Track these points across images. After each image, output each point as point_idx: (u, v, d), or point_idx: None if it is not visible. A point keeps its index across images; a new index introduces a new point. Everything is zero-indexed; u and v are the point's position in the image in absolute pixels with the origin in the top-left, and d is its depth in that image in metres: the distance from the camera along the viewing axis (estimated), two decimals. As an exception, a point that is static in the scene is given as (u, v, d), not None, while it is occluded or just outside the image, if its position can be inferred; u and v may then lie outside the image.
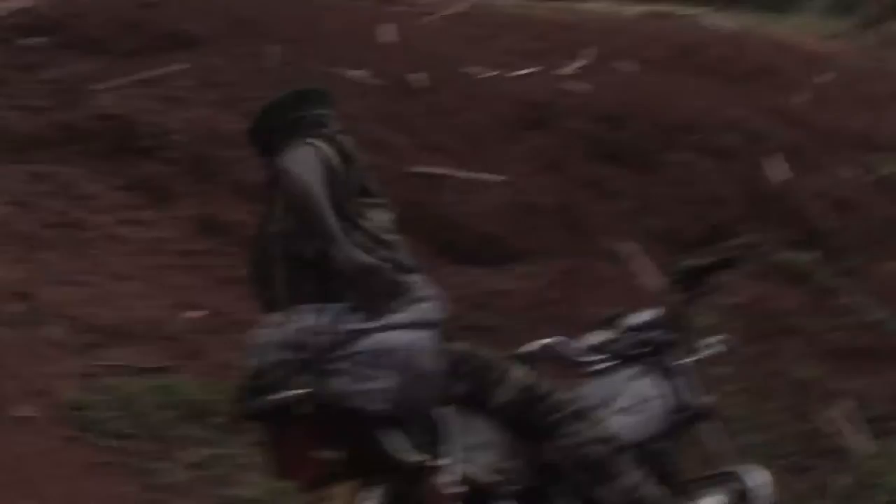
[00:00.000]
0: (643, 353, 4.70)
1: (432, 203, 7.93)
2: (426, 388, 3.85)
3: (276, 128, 4.44)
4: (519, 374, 4.20)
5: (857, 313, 8.63)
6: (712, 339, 4.98)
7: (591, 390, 4.52)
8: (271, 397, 3.76)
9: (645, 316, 4.87)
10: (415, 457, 3.85)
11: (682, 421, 4.71)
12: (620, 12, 12.88)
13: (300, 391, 3.74)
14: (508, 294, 7.66)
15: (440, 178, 8.06)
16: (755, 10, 15.24)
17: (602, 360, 4.68)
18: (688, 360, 4.82)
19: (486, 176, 8.18)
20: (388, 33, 9.29)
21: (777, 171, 9.46)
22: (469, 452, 3.98)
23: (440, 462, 3.88)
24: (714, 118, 9.57)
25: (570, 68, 9.74)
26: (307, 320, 3.85)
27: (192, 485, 5.73)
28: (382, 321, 3.83)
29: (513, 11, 11.73)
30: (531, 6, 12.40)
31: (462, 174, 8.12)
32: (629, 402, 4.52)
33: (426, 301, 3.97)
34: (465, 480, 3.92)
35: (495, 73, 9.21)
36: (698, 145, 9.28)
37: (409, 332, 3.84)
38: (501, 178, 8.20)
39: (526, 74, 9.40)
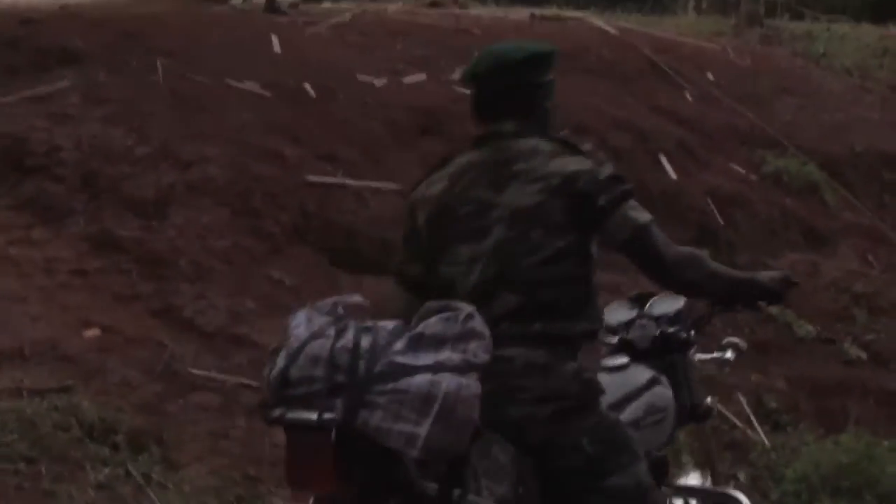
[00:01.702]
0: (661, 349, 4.60)
1: (327, 212, 7.90)
2: (462, 436, 3.68)
3: (507, 93, 4.16)
4: (643, 470, 4.07)
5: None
6: (731, 340, 4.96)
7: (606, 386, 4.29)
8: (292, 415, 3.63)
9: (670, 306, 4.73)
10: (428, 488, 3.75)
11: (686, 422, 4.69)
12: (506, 16, 12.94)
13: (328, 416, 3.59)
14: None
15: (335, 188, 8.04)
16: (636, 11, 15.41)
17: (616, 349, 4.59)
18: (701, 358, 4.80)
19: (380, 184, 8.18)
20: (277, 44, 9.25)
21: (667, 169, 9.57)
22: (482, 480, 3.88)
23: (452, 494, 3.78)
24: (604, 119, 9.65)
25: (458, 74, 9.75)
26: (350, 337, 3.65)
27: (96, 505, 5.67)
28: (433, 359, 3.63)
29: (398, 18, 11.73)
30: (416, 13, 12.42)
31: (356, 183, 8.11)
32: (642, 415, 4.41)
33: (476, 339, 3.71)
34: None
35: (386, 80, 9.21)
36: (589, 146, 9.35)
37: (457, 376, 3.63)
38: (396, 185, 8.19)
39: (417, 81, 9.41)
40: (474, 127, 4.24)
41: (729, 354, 4.89)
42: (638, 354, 4.59)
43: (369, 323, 3.68)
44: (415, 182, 4.28)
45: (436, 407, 3.57)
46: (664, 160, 9.61)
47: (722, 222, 9.41)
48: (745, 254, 9.34)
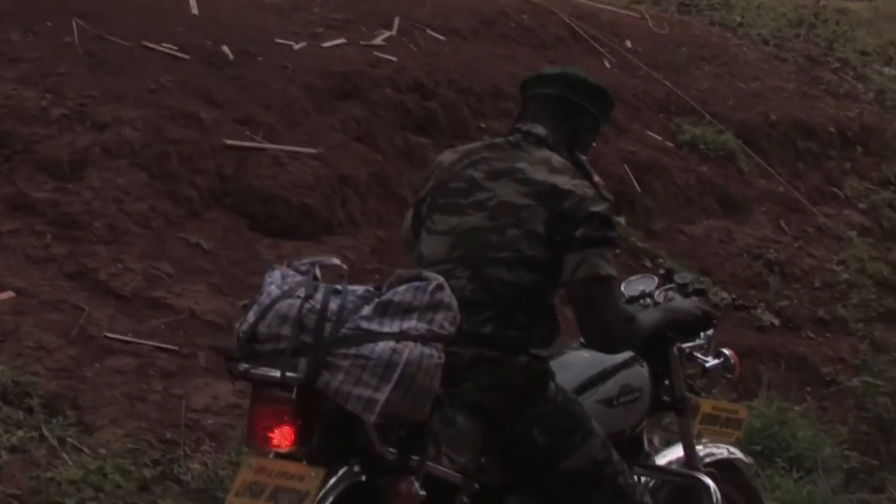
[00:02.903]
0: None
1: (245, 176, 7.86)
2: (421, 404, 3.77)
3: (558, 102, 4.36)
4: (596, 445, 4.23)
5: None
6: (724, 352, 5.04)
7: (580, 364, 4.51)
8: (258, 371, 3.76)
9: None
10: (387, 452, 3.85)
11: (666, 410, 4.84)
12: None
13: (290, 374, 3.70)
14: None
15: (253, 151, 8.00)
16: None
17: None
18: (689, 345, 4.88)
19: (299, 148, 8.14)
20: (195, 6, 9.16)
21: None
22: (443, 448, 4.02)
23: (410, 460, 3.89)
24: (522, 86, 9.66)
25: (378, 39, 9.73)
26: (319, 299, 3.76)
27: (10, 468, 5.61)
28: (398, 327, 3.73)
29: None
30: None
31: (275, 146, 8.07)
32: (616, 393, 4.52)
33: (443, 310, 3.80)
34: (429, 479, 3.93)
35: (305, 44, 9.16)
36: (507, 112, 9.36)
37: (420, 346, 3.72)
38: (314, 150, 8.17)
39: (335, 46, 9.37)
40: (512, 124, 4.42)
41: (721, 362, 4.99)
42: None
43: (339, 286, 3.79)
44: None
45: (396, 374, 3.67)
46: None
47: (639, 189, 9.47)
48: (662, 220, 9.41)
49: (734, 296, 8.94)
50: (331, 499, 3.76)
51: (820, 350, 8.99)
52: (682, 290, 4.82)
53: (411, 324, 3.73)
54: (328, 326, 3.72)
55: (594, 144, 4.51)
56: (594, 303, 4.10)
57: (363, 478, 3.86)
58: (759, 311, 8.91)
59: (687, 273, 4.92)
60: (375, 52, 9.34)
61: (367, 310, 3.75)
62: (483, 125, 9.17)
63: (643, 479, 4.76)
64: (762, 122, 10.79)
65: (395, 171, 8.49)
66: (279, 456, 3.83)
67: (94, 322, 6.60)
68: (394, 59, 9.26)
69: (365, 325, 3.72)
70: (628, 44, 11.29)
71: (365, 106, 8.78)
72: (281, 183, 7.89)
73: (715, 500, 4.77)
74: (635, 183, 9.47)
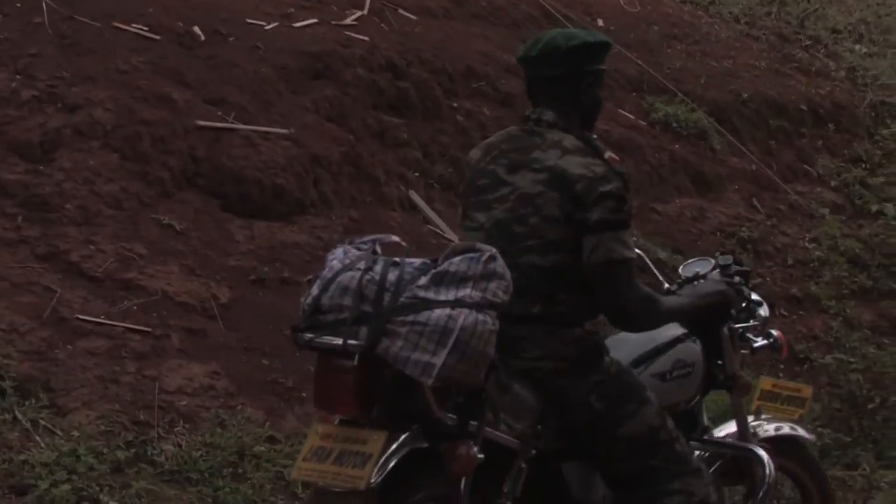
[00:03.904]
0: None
1: (217, 157, 7.83)
2: (476, 369, 3.95)
3: (553, 79, 4.45)
4: (651, 413, 4.42)
5: (641, 252, 8.83)
6: (773, 332, 5.21)
7: (634, 340, 4.68)
8: (322, 339, 3.97)
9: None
10: (446, 417, 4.02)
11: (719, 387, 4.98)
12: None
13: (352, 342, 3.90)
14: (299, 246, 7.63)
15: (225, 132, 7.96)
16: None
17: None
18: (741, 326, 5.05)
19: (271, 128, 8.12)
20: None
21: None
22: (500, 414, 4.20)
23: (469, 425, 4.06)
24: (494, 64, 9.66)
25: (349, 19, 9.70)
26: (378, 270, 3.97)
27: (-18, 452, 5.61)
28: (453, 295, 3.91)
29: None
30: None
31: (247, 127, 8.04)
32: (669, 368, 4.72)
33: (497, 279, 3.99)
34: (487, 444, 4.09)
35: (276, 24, 9.12)
36: (480, 92, 9.36)
37: (474, 313, 3.91)
38: (286, 130, 8.14)
39: (306, 26, 9.33)
40: (528, 105, 4.51)
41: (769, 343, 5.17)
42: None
43: (398, 259, 4.04)
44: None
45: (452, 339, 3.87)
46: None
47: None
48: (635, 199, 9.41)
49: (707, 274, 8.96)
50: (393, 462, 3.95)
51: (793, 327, 9.01)
52: (725, 271, 4.97)
53: (466, 292, 3.92)
54: (387, 296, 3.91)
55: (601, 101, 4.56)
56: (611, 285, 4.27)
57: (424, 442, 4.04)
58: (731, 288, 8.93)
59: (730, 256, 5.07)
60: (347, 32, 9.31)
61: (423, 280, 3.94)
62: (455, 104, 9.16)
63: (698, 452, 4.90)
64: (734, 100, 10.81)
65: (367, 151, 8.47)
66: (343, 422, 4.04)
67: (66, 304, 6.58)
68: (365, 38, 9.23)
69: (422, 293, 3.92)
70: (600, 22, 11.29)
71: (337, 86, 8.75)
72: (253, 163, 7.87)
73: (767, 472, 4.91)
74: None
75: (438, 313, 3.89)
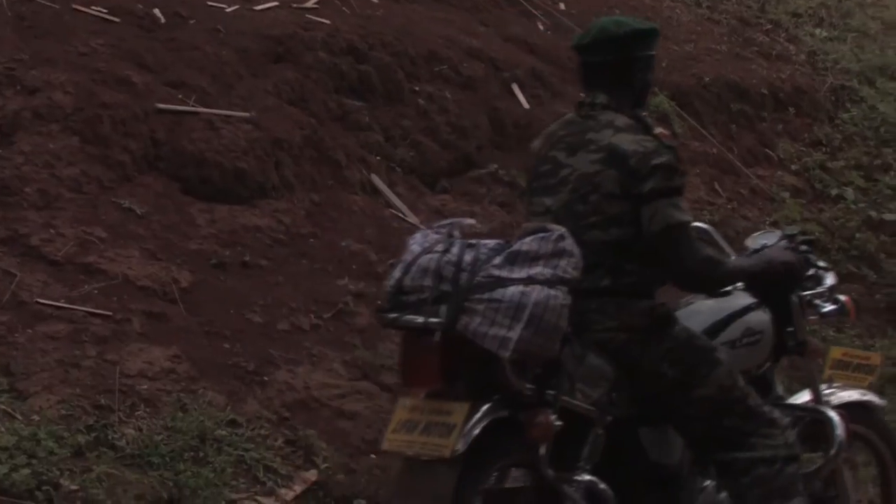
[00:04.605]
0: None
1: (178, 140, 7.80)
2: (551, 341, 4.23)
3: (606, 65, 4.70)
4: (722, 374, 4.64)
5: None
6: (840, 298, 5.39)
7: (706, 311, 4.93)
8: (405, 318, 4.26)
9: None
10: (525, 388, 4.28)
11: (790, 353, 5.20)
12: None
13: (433, 320, 4.19)
14: (260, 229, 7.61)
15: (186, 115, 7.93)
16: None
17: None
18: (809, 293, 5.24)
19: (232, 112, 8.09)
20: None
21: (519, 99, 9.61)
22: (576, 384, 4.46)
23: (546, 395, 4.33)
24: (456, 48, 9.64)
25: (311, 2, 9.67)
26: (455, 252, 4.27)
27: (-59, 437, 5.58)
28: (525, 273, 4.19)
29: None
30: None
31: (208, 111, 8.01)
32: (738, 335, 4.93)
33: (567, 257, 4.25)
34: (565, 412, 4.36)
35: (237, 6, 9.09)
36: (442, 76, 9.35)
37: (546, 288, 4.18)
38: (247, 113, 8.12)
39: (267, 8, 9.30)
40: (580, 91, 4.81)
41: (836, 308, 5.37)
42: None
43: (473, 241, 4.33)
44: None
45: (526, 314, 4.14)
46: (517, 89, 9.65)
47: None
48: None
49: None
50: (476, 431, 4.20)
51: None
52: (791, 240, 5.21)
53: (537, 269, 4.20)
54: (464, 276, 4.21)
55: (651, 79, 4.83)
56: (674, 249, 4.52)
57: (505, 412, 4.29)
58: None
59: (796, 227, 5.27)
60: (308, 15, 9.28)
61: (498, 259, 4.22)
62: (417, 88, 9.15)
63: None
64: (695, 85, 10.82)
65: (329, 135, 8.45)
66: (429, 395, 4.31)
67: (25, 288, 6.55)
68: (327, 21, 9.20)
69: (496, 272, 4.20)
70: (562, 6, 11.29)
71: (298, 69, 8.73)
72: (214, 147, 7.84)
73: (838, 433, 5.10)
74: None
75: (512, 290, 4.16)
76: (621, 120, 4.63)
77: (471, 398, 4.26)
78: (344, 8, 9.70)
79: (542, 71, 10.00)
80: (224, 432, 6.11)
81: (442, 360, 4.22)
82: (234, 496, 5.88)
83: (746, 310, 5.02)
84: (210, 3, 9.03)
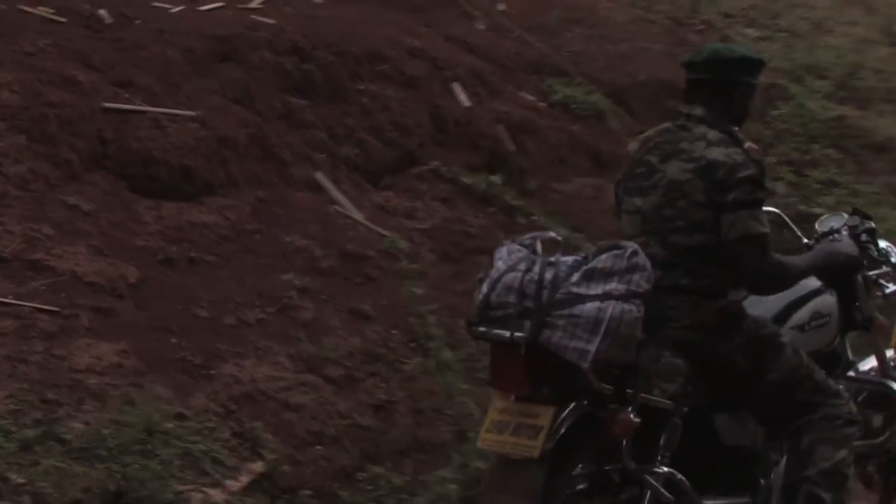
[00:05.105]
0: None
1: (125, 139, 7.73)
2: (626, 350, 4.48)
3: (711, 82, 4.98)
4: (788, 356, 4.89)
5: (538, 232, 8.85)
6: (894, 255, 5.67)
7: (773, 298, 5.12)
8: (492, 332, 4.54)
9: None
10: (605, 389, 4.55)
11: (856, 328, 5.48)
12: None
13: (518, 334, 4.45)
14: (206, 226, 7.56)
15: (132, 114, 7.86)
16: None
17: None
18: (874, 273, 5.51)
19: (178, 111, 8.02)
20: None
21: (460, 97, 9.60)
22: (654, 380, 4.71)
23: (626, 394, 4.59)
24: (398, 48, 9.62)
25: (255, 2, 9.63)
26: (537, 271, 4.50)
27: None
28: (601, 289, 4.44)
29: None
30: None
31: (154, 109, 7.94)
32: (807, 319, 5.20)
33: (639, 272, 4.50)
34: (643, 407, 4.63)
35: (183, 7, 9.02)
36: (385, 75, 9.32)
37: (621, 303, 4.44)
38: (194, 112, 8.06)
39: (212, 9, 9.24)
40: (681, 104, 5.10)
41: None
42: None
43: (553, 258, 4.57)
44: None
45: (603, 328, 4.39)
46: (457, 88, 9.63)
47: (513, 148, 9.48)
48: (535, 178, 9.44)
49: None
50: (563, 429, 4.50)
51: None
52: (853, 231, 5.46)
53: (612, 286, 4.45)
54: (545, 293, 4.45)
55: (750, 105, 5.09)
56: (748, 258, 4.75)
57: (587, 412, 4.57)
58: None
59: (857, 216, 5.58)
60: (253, 16, 9.23)
61: (575, 277, 4.48)
62: (361, 87, 9.12)
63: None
64: (631, 83, 10.85)
65: (274, 133, 8.41)
66: (517, 399, 4.57)
67: (-27, 285, 6.47)
68: (272, 22, 9.15)
69: (574, 289, 4.45)
70: (501, 7, 11.29)
71: (243, 69, 8.68)
72: (161, 145, 7.78)
73: None
74: (509, 142, 9.48)
75: (590, 306, 4.42)
76: (713, 134, 4.85)
77: (555, 401, 4.53)
78: (288, 8, 9.65)
79: (481, 70, 9.99)
80: (171, 425, 6.06)
81: (527, 369, 4.48)
82: (181, 488, 5.82)
83: (813, 294, 5.28)
84: (155, 4, 8.96)
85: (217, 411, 6.38)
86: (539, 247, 4.70)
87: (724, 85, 4.96)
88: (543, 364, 4.49)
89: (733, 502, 4.96)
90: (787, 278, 4.92)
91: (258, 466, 6.20)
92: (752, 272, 4.79)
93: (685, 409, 4.83)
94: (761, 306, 5.07)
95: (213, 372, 6.58)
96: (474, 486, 6.53)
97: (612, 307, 4.43)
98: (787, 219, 5.70)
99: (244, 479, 6.08)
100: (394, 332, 7.42)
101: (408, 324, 7.50)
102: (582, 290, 4.46)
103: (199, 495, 5.82)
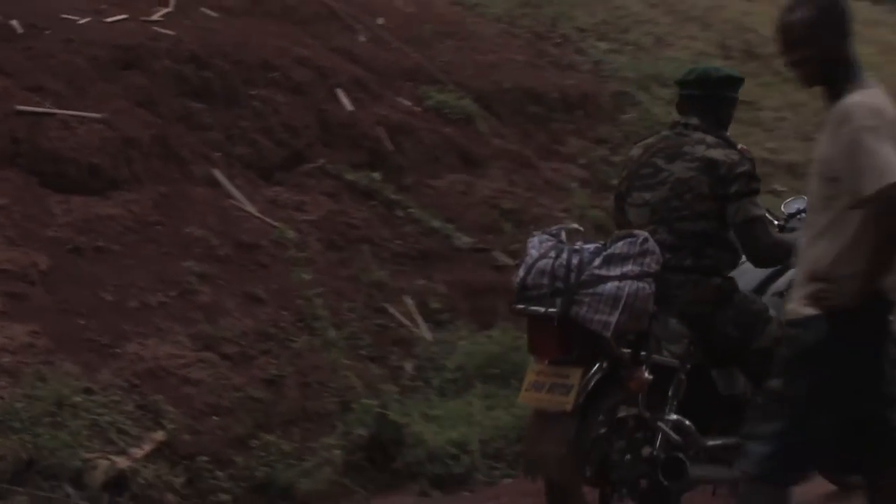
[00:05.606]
0: None
1: (37, 139, 7.63)
2: (641, 321, 4.89)
3: (702, 97, 5.29)
4: (773, 328, 5.10)
5: (415, 223, 8.90)
6: None
7: (755, 271, 5.37)
8: (530, 308, 4.90)
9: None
10: (623, 353, 4.93)
11: None
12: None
13: (551, 310, 4.82)
14: (112, 218, 7.49)
15: (44, 116, 7.76)
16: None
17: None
18: None
19: (85, 113, 7.93)
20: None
21: (343, 102, 9.60)
22: (662, 343, 5.09)
23: (640, 355, 4.95)
24: (287, 57, 9.60)
25: (156, 15, 9.54)
26: (565, 257, 4.86)
27: None
28: (619, 271, 4.82)
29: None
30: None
31: (64, 112, 7.84)
32: (784, 287, 5.29)
33: (650, 255, 4.87)
34: (655, 366, 4.99)
35: (89, 19, 8.91)
36: (275, 82, 9.29)
37: (636, 281, 4.83)
38: (100, 115, 7.97)
39: (117, 21, 9.14)
40: (676, 115, 5.41)
41: None
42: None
43: (577, 246, 4.94)
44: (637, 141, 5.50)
45: (622, 303, 4.79)
46: (341, 94, 9.64)
47: (392, 148, 9.51)
48: (411, 175, 9.48)
49: (475, 240, 9.07)
50: (590, 386, 4.88)
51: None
52: None
53: (628, 267, 4.84)
54: (573, 275, 4.83)
55: (733, 114, 5.41)
56: (752, 237, 5.10)
57: (609, 371, 4.92)
58: (495, 252, 9.06)
59: None
60: (155, 27, 9.15)
61: (597, 261, 4.85)
62: (253, 92, 9.08)
63: None
64: (497, 90, 10.93)
65: (174, 134, 8.35)
66: (551, 363, 4.95)
67: None
68: (172, 33, 9.08)
69: (597, 272, 4.83)
70: (380, 21, 11.30)
71: (146, 75, 8.60)
72: (70, 145, 7.68)
73: None
74: (388, 143, 9.51)
75: (610, 285, 4.80)
76: (710, 138, 5.20)
77: (583, 363, 4.88)
78: (187, 21, 9.58)
79: (363, 77, 10.01)
80: (80, 399, 6.01)
81: (559, 338, 4.85)
82: (88, 456, 5.78)
83: (789, 266, 5.36)
84: (64, 16, 8.84)
85: (122, 386, 6.33)
86: (564, 236, 5.06)
87: (712, 99, 5.30)
88: (572, 334, 4.84)
89: (729, 441, 5.17)
90: (784, 252, 5.14)
91: (160, 436, 6.17)
92: (757, 248, 5.11)
93: (689, 366, 5.17)
94: (744, 277, 5.35)
95: (118, 350, 6.53)
96: (356, 452, 6.58)
97: (628, 286, 4.81)
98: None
99: (147, 447, 6.06)
100: (284, 313, 7.43)
101: (296, 306, 7.51)
102: (603, 272, 4.83)
103: (106, 462, 5.78)
